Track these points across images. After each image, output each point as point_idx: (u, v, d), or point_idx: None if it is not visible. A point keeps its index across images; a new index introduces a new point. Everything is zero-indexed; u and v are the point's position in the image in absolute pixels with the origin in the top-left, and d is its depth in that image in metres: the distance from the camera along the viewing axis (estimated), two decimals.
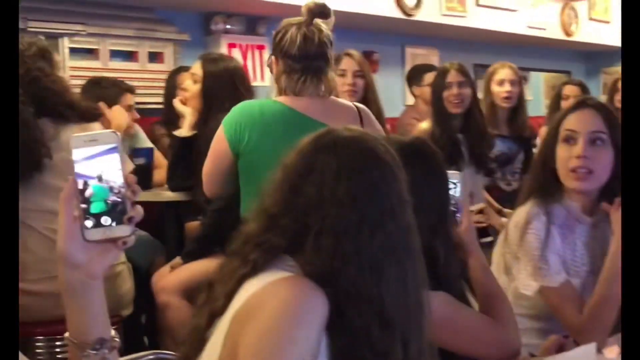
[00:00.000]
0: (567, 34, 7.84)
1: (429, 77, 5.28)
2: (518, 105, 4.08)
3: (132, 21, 4.94)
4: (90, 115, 2.85)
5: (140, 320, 3.55)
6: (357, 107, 2.73)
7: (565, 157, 2.22)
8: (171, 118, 4.33)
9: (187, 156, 3.47)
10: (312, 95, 2.62)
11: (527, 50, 8.32)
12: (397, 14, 6.00)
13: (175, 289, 3.24)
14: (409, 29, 6.63)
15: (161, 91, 4.91)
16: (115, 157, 1.13)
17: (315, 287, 1.30)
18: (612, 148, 2.18)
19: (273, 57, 2.69)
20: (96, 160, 1.13)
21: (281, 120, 2.57)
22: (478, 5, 6.76)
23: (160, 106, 4.95)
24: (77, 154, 1.13)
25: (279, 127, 2.56)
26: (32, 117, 2.70)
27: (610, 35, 8.54)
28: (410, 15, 6.08)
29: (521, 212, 2.29)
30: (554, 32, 7.70)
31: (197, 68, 3.57)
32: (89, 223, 1.12)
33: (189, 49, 5.30)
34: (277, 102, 2.64)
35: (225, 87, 3.45)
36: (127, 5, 4.93)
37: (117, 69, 4.82)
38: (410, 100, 6.40)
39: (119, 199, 1.13)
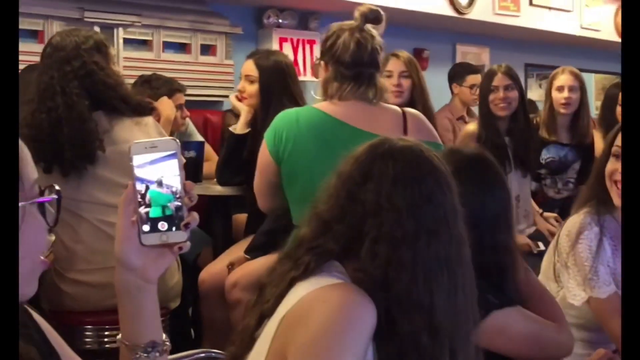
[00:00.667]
0: (621, 35, 7.71)
1: (472, 79, 5.28)
2: (579, 112, 4.02)
3: (186, 13, 4.99)
4: (142, 109, 2.89)
5: (188, 313, 3.58)
6: (403, 112, 2.68)
7: (611, 170, 2.21)
8: None
9: (239, 153, 3.48)
10: (357, 99, 2.59)
11: (579, 50, 8.21)
12: (449, 12, 5.98)
13: (248, 285, 3.19)
14: (461, 27, 6.59)
15: (213, 84, 4.95)
16: (174, 164, 1.16)
17: (365, 295, 1.33)
18: None
19: (322, 62, 2.67)
20: (155, 166, 1.15)
21: (316, 127, 2.57)
22: (532, 4, 6.69)
23: (212, 98, 5.01)
24: (137, 159, 1.15)
25: (316, 134, 2.56)
26: (87, 110, 2.75)
27: None
28: (462, 13, 6.04)
29: (574, 221, 2.27)
30: (608, 34, 7.58)
31: (250, 68, 3.55)
32: (146, 227, 1.14)
33: (241, 43, 5.34)
34: (315, 109, 2.63)
35: (280, 82, 3.45)
36: None
37: (170, 61, 4.87)
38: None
39: (177, 205, 1.15)
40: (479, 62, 7.15)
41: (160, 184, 1.15)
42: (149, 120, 2.87)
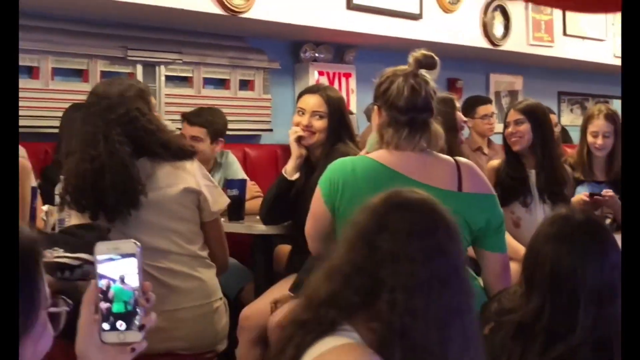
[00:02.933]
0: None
1: (482, 109, 5.36)
2: (614, 152, 4.05)
3: (225, 50, 5.09)
4: (183, 154, 2.92)
5: (234, 354, 3.60)
6: (457, 162, 2.65)
7: None
8: None
9: (287, 196, 3.48)
10: (414, 149, 2.60)
11: (612, 78, 8.19)
12: (484, 44, 6.03)
13: None
14: (495, 57, 6.64)
15: (251, 118, 5.03)
16: (133, 265, 1.22)
17: (374, 355, 1.38)
18: None
19: (376, 107, 2.70)
20: (117, 267, 1.22)
21: (372, 178, 2.56)
22: (565, 35, 6.72)
23: (250, 133, 5.08)
24: (100, 259, 1.22)
25: (370, 185, 2.53)
26: (129, 157, 2.78)
27: None
28: (497, 45, 6.09)
29: None
30: None
31: (319, 104, 3.49)
32: (106, 326, 1.21)
33: (278, 77, 5.43)
34: (371, 159, 2.63)
35: (344, 117, 3.51)
36: (220, 34, 5.08)
37: (210, 96, 4.96)
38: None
39: (134, 306, 1.21)
40: (513, 90, 7.21)
41: (120, 283, 1.21)
42: (188, 164, 2.90)
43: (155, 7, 4.18)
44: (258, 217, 3.75)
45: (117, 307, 1.21)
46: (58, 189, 2.93)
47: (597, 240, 1.89)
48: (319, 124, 3.46)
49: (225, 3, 4.37)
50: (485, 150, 5.28)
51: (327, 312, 1.45)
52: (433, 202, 1.53)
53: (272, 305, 3.31)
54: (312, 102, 3.51)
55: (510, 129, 3.88)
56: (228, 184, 3.81)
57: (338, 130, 3.46)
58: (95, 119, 2.83)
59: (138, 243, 1.24)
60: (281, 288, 3.45)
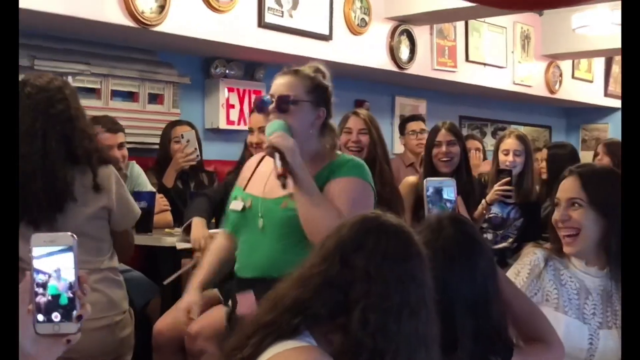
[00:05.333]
0: (551, 91, 8.07)
1: (410, 125, 5.58)
2: (523, 173, 4.20)
3: (134, 62, 5.06)
4: (106, 164, 2.86)
5: None
6: None
7: (555, 220, 2.41)
8: (163, 167, 4.47)
9: None
10: None
11: (511, 104, 8.54)
12: (390, 66, 6.17)
13: (212, 334, 3.20)
14: (400, 81, 6.81)
15: (159, 132, 5.00)
16: (70, 257, 1.23)
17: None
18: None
19: None
20: (53, 259, 1.23)
21: None
22: (468, 60, 6.95)
23: (157, 146, 5.05)
24: (36, 251, 1.23)
25: None
26: (63, 160, 2.69)
27: (592, 93, 8.80)
28: (403, 68, 6.25)
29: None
30: (539, 89, 7.92)
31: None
32: (40, 317, 1.22)
33: (188, 92, 5.43)
34: None
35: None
36: (130, 47, 5.05)
37: (118, 109, 4.91)
38: (399, 149, 6.58)
39: (70, 297, 1.23)
40: (416, 114, 7.41)
41: (56, 275, 1.22)
42: (109, 175, 2.82)
43: (64, 17, 4.13)
44: (166, 230, 3.75)
45: (52, 299, 1.21)
46: None
47: (466, 250, 1.88)
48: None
49: (137, 15, 4.34)
50: (418, 167, 5.36)
51: (291, 318, 1.48)
52: (409, 230, 1.58)
53: (186, 313, 3.29)
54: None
55: (442, 149, 3.94)
56: (136, 196, 3.78)
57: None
58: (34, 112, 2.66)
59: (74, 235, 1.24)
60: (189, 298, 3.45)
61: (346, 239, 1.53)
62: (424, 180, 2.24)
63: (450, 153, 3.93)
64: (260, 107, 2.55)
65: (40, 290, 1.21)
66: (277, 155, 2.32)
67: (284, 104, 2.46)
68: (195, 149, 4.48)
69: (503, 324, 1.89)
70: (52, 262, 1.22)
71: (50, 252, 1.22)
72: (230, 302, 2.62)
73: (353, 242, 1.52)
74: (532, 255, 2.43)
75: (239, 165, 4.79)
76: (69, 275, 1.22)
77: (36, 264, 1.22)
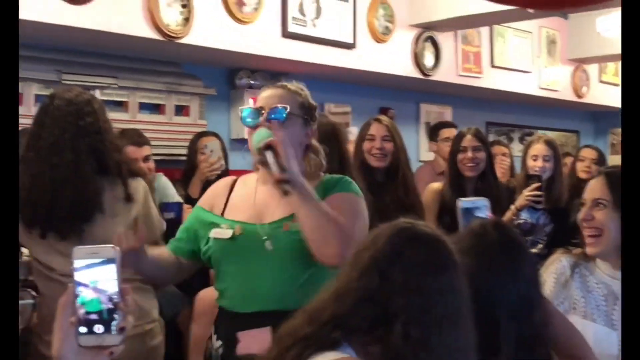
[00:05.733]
0: (578, 95, 8.01)
1: (445, 132, 5.49)
2: (553, 178, 4.17)
3: (161, 75, 5.11)
4: (135, 176, 2.90)
5: None
6: None
7: (580, 218, 2.40)
8: (190, 178, 4.49)
9: None
10: None
11: (538, 109, 8.49)
12: (415, 73, 6.17)
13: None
14: (425, 87, 6.81)
15: (185, 143, 5.03)
16: (112, 269, 1.23)
17: None
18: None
19: None
20: (95, 271, 1.22)
21: None
22: (493, 66, 6.93)
23: (184, 158, 5.08)
24: (78, 263, 1.22)
25: None
26: (92, 172, 2.72)
27: (619, 97, 8.70)
28: (427, 75, 6.24)
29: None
30: (565, 94, 7.87)
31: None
32: (83, 329, 1.21)
33: (214, 103, 5.47)
34: None
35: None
36: (156, 60, 5.10)
37: (144, 121, 4.96)
38: (425, 156, 6.56)
39: (113, 309, 1.22)
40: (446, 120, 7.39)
41: (98, 288, 1.22)
42: (138, 188, 2.87)
43: (91, 31, 4.18)
44: None
45: (94, 311, 1.21)
46: None
47: (510, 254, 1.88)
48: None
49: (162, 28, 4.39)
50: None
51: (330, 331, 1.47)
52: (445, 239, 1.56)
53: None
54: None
55: (468, 154, 3.90)
56: (164, 207, 3.81)
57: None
58: (64, 124, 2.71)
59: (116, 247, 1.24)
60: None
61: (383, 252, 1.52)
62: (457, 201, 2.21)
63: (476, 159, 3.90)
64: (250, 118, 2.33)
65: (82, 302, 1.21)
66: (270, 154, 2.15)
67: (277, 115, 2.30)
68: (220, 158, 4.48)
69: (544, 331, 1.88)
70: (94, 274, 1.22)
71: (91, 264, 1.22)
72: (219, 342, 2.36)
73: (390, 254, 1.51)
74: (557, 264, 2.42)
75: None
76: (111, 287, 1.22)
77: (77, 276, 1.22)
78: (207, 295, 3.53)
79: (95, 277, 1.22)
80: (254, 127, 2.30)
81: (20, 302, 1.18)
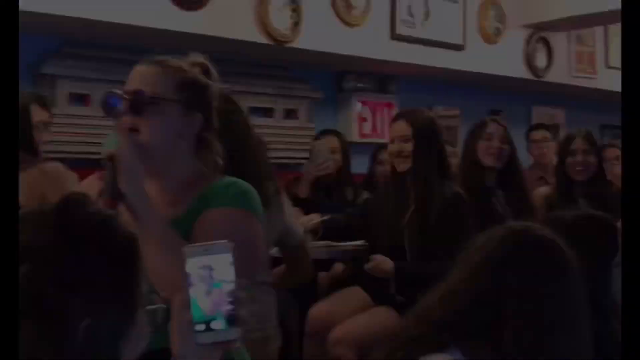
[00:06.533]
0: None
1: (531, 135, 5.44)
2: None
3: (269, 79, 5.16)
4: None
5: None
6: None
7: None
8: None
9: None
10: None
11: None
12: (526, 75, 6.04)
13: (352, 343, 3.20)
14: (537, 89, 6.64)
15: (295, 147, 5.07)
16: (226, 265, 1.21)
17: None
18: None
19: None
20: (209, 269, 1.20)
21: None
22: (608, 67, 6.70)
23: (294, 161, 5.12)
24: (191, 262, 1.20)
25: None
26: None
27: None
28: (539, 76, 6.09)
29: None
30: None
31: (404, 128, 3.46)
32: (200, 327, 1.20)
33: (322, 106, 5.49)
34: None
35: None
36: (264, 65, 5.15)
37: (255, 125, 4.99)
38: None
39: (230, 304, 1.20)
40: (553, 123, 7.19)
41: (213, 284, 1.20)
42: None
43: (201, 36, 4.26)
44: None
45: (210, 308, 1.20)
46: None
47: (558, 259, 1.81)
48: (407, 146, 3.42)
49: (272, 33, 4.44)
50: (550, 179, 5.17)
51: (439, 333, 1.45)
52: (560, 243, 1.51)
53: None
54: (397, 127, 3.55)
55: (578, 158, 3.74)
56: None
57: (429, 151, 3.50)
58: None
59: (230, 243, 1.22)
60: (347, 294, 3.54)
61: (496, 254, 1.48)
62: None
63: (586, 163, 3.75)
64: (107, 108, 1.77)
65: (197, 299, 1.20)
66: (110, 169, 1.63)
67: (137, 103, 1.75)
68: (328, 159, 4.45)
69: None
70: (209, 272, 1.21)
71: (207, 262, 1.21)
72: None
73: (503, 257, 1.47)
74: None
75: (368, 179, 4.80)
76: (226, 283, 1.21)
77: (192, 275, 1.21)
78: (320, 314, 3.52)
79: (209, 273, 1.21)
80: (117, 119, 1.76)
81: (152, 307, 1.18)
